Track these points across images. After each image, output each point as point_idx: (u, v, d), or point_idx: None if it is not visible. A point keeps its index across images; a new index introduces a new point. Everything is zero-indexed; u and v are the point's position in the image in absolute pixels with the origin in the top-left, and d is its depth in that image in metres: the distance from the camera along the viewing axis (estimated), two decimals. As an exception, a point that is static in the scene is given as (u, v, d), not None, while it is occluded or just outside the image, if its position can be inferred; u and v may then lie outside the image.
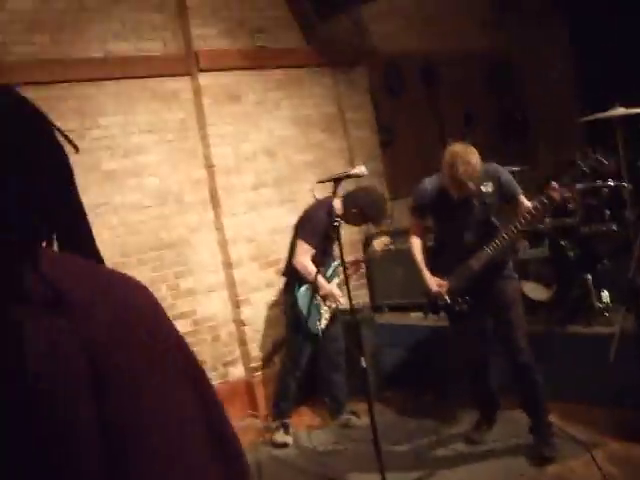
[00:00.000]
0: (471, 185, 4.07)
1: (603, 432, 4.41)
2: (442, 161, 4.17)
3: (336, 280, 5.20)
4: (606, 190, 5.58)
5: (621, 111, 4.71)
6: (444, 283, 4.39)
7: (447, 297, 4.40)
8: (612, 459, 4.08)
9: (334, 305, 5.18)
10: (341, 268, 5.32)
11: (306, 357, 5.22)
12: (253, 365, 5.86)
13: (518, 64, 8.93)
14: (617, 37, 7.35)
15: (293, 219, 5.34)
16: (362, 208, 5.00)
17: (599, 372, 4.27)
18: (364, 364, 4.02)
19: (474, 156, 4.09)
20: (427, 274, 4.46)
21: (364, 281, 6.58)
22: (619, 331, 4.11)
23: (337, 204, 4.82)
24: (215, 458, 0.90)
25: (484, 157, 4.50)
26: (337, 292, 5.16)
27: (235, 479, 0.93)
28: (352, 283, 5.48)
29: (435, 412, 5.30)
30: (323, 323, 5.15)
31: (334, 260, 5.30)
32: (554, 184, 4.01)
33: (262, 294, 5.92)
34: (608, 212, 5.53)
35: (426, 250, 4.61)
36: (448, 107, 8.01)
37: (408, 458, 4.56)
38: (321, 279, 4.99)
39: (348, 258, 5.46)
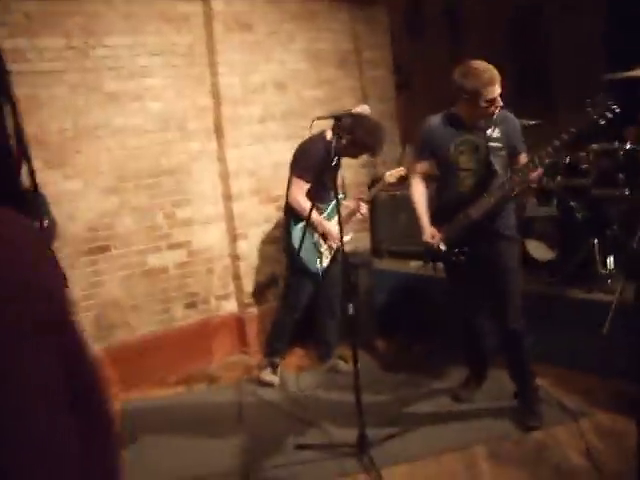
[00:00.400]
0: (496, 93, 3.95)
1: (592, 401, 4.36)
2: (457, 79, 4.06)
3: (336, 218, 5.06)
4: (622, 153, 5.41)
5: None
6: (438, 234, 4.23)
7: (443, 246, 4.25)
8: (597, 430, 4.03)
9: (334, 245, 5.04)
10: (346, 202, 5.24)
11: (306, 297, 5.13)
12: (246, 301, 5.80)
13: (548, 14, 8.64)
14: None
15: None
16: (358, 137, 4.77)
17: (594, 340, 4.17)
18: (352, 311, 3.94)
19: (494, 69, 4.01)
20: (425, 221, 4.29)
21: (366, 224, 6.47)
22: (616, 302, 4.01)
23: (333, 138, 4.63)
24: (74, 410, 0.86)
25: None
26: (336, 231, 5.03)
27: (97, 430, 0.92)
28: (353, 226, 5.39)
29: (423, 365, 5.26)
30: (324, 262, 5.04)
31: (336, 197, 5.18)
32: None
33: (260, 229, 5.83)
34: (622, 176, 5.37)
35: (430, 199, 4.46)
36: (469, 53, 7.76)
37: (390, 410, 4.52)
38: (317, 216, 4.87)
39: (352, 198, 5.37)
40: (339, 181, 5.06)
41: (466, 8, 7.76)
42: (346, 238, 5.11)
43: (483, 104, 3.95)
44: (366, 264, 5.88)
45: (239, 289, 5.80)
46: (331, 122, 4.22)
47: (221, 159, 5.64)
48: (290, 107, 5.98)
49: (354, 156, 5.07)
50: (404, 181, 5.24)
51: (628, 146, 5.32)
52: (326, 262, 5.03)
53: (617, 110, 3.73)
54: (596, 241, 5.09)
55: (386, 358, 5.50)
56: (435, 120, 4.27)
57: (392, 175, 5.15)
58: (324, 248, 5.02)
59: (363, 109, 4.12)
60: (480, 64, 4.05)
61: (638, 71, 4.57)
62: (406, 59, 7.27)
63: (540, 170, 4.00)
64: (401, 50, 7.13)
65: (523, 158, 4.13)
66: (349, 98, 6.33)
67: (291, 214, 4.96)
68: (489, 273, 4.22)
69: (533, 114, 5.45)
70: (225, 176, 5.65)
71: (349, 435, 4.00)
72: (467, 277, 4.34)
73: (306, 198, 4.81)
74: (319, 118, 4.10)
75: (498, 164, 4.07)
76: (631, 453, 3.06)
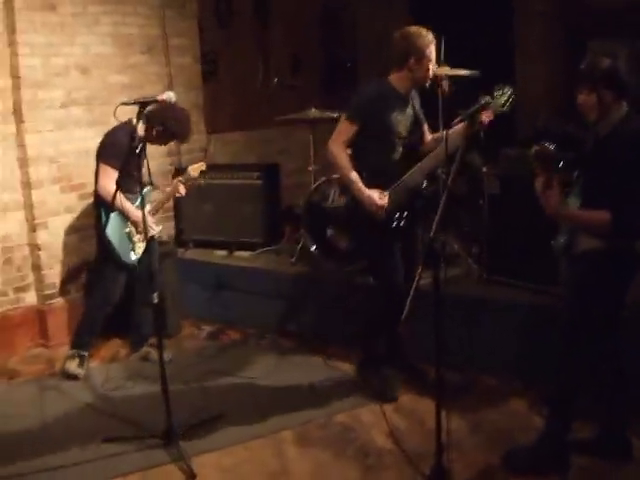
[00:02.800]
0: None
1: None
2: (403, 42, 4.19)
3: (148, 207, 5.01)
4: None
5: (444, 70, 4.84)
6: (385, 196, 4.23)
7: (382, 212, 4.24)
8: (400, 410, 4.33)
9: (150, 233, 4.97)
10: (154, 194, 5.19)
11: (119, 289, 5.03)
12: (47, 292, 5.58)
13: (354, 11, 8.94)
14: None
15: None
16: (166, 125, 4.76)
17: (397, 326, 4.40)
18: (156, 299, 3.93)
19: None
20: (361, 187, 4.22)
21: (171, 214, 6.43)
22: (413, 289, 4.25)
23: (139, 126, 4.57)
24: None
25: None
26: (149, 220, 4.98)
27: None
28: (158, 216, 5.34)
29: (232, 354, 5.35)
30: (138, 252, 4.95)
31: (145, 186, 5.11)
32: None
33: (62, 219, 5.61)
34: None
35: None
36: (277, 46, 7.90)
37: (198, 399, 4.56)
38: (128, 204, 4.78)
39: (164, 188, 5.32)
40: (146, 170, 5.01)
41: (276, 1, 7.87)
42: (156, 229, 5.09)
43: (426, 64, 4.17)
44: (171, 254, 5.85)
45: (39, 280, 5.56)
46: (136, 108, 4.14)
47: (20, 144, 5.35)
48: (94, 92, 5.78)
49: (162, 143, 5.04)
50: (204, 174, 5.29)
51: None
52: (140, 252, 4.95)
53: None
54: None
55: (195, 347, 5.52)
56: (372, 89, 4.32)
57: (194, 170, 5.13)
58: (137, 238, 4.94)
59: (169, 96, 4.09)
60: (417, 27, 4.22)
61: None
62: (214, 48, 7.26)
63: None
64: (209, 38, 7.12)
65: (427, 128, 4.48)
66: (155, 85, 6.24)
67: (102, 204, 4.84)
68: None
69: (340, 104, 5.64)
70: (24, 162, 5.37)
71: (157, 426, 4.00)
72: (401, 240, 4.39)
73: (115, 187, 4.71)
74: (124, 104, 4.01)
75: (419, 133, 4.36)
76: (432, 433, 3.27)
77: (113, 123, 4.65)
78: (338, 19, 8.87)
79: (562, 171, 3.25)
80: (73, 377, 4.93)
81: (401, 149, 4.30)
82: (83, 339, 5.05)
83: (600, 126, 3.33)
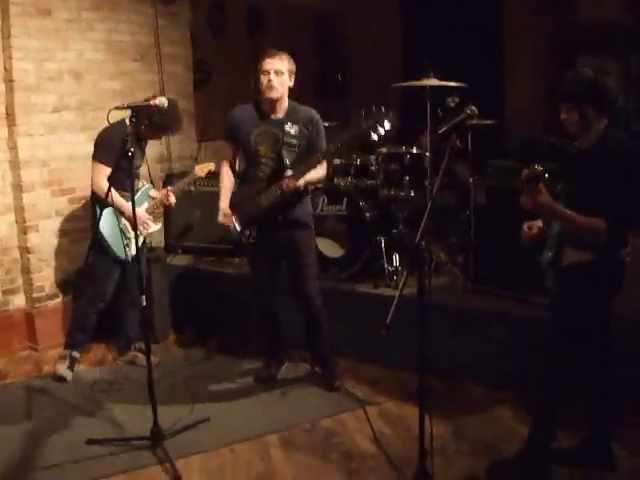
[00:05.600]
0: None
1: (379, 390, 4.73)
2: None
3: (145, 205, 5.06)
4: (408, 157, 5.81)
5: (433, 82, 4.88)
6: (229, 212, 4.51)
7: (238, 227, 4.51)
8: (384, 416, 4.37)
9: (144, 230, 5.03)
10: (152, 192, 5.21)
11: (112, 286, 5.06)
12: (36, 295, 5.59)
13: (346, 23, 9.03)
14: (445, 10, 7.68)
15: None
16: (150, 118, 4.77)
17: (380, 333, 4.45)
18: (144, 302, 3.95)
19: (283, 53, 4.38)
20: (222, 202, 4.57)
21: (160, 219, 6.45)
22: (397, 295, 4.30)
23: (129, 124, 4.65)
24: None
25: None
26: (145, 217, 5.03)
27: None
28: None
29: (218, 358, 5.40)
30: (133, 249, 4.96)
31: (143, 184, 5.17)
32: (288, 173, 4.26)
33: (52, 222, 5.64)
34: (408, 178, 5.77)
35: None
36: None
37: (184, 402, 4.58)
38: (121, 201, 4.81)
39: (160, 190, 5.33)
40: (144, 170, 5.06)
41: (269, 8, 7.95)
42: (154, 227, 5.13)
43: (260, 76, 4.33)
44: (160, 259, 5.88)
45: (28, 283, 5.58)
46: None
47: (12, 147, 5.38)
48: (86, 98, 5.83)
49: (155, 137, 5.10)
50: (211, 175, 5.36)
51: (414, 150, 5.73)
52: (134, 248, 4.93)
53: (388, 126, 3.98)
54: (383, 239, 5.45)
55: (182, 352, 5.55)
56: (239, 109, 4.55)
57: (201, 169, 5.27)
58: (132, 235, 4.94)
59: (161, 101, 4.12)
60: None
61: (423, 80, 4.90)
62: (207, 56, 7.32)
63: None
64: (202, 47, 7.19)
65: (321, 165, 4.43)
66: (147, 92, 6.24)
67: (96, 201, 4.89)
68: (287, 254, 4.54)
69: (331, 115, 5.71)
70: (16, 165, 5.40)
71: (143, 428, 4.02)
72: (265, 259, 4.60)
73: (108, 183, 4.75)
74: (116, 108, 4.06)
75: (289, 159, 4.33)
76: (416, 438, 3.31)
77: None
78: (330, 30, 8.95)
79: (546, 182, 3.30)
80: (61, 379, 4.95)
81: (269, 169, 4.43)
82: (76, 338, 5.06)
83: (582, 139, 3.39)
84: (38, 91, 5.47)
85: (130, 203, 4.46)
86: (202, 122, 7.02)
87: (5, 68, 5.30)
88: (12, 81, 5.30)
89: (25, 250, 5.52)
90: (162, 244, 6.41)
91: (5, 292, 5.51)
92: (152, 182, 5.10)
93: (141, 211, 5.00)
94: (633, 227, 3.39)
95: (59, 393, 4.80)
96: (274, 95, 4.34)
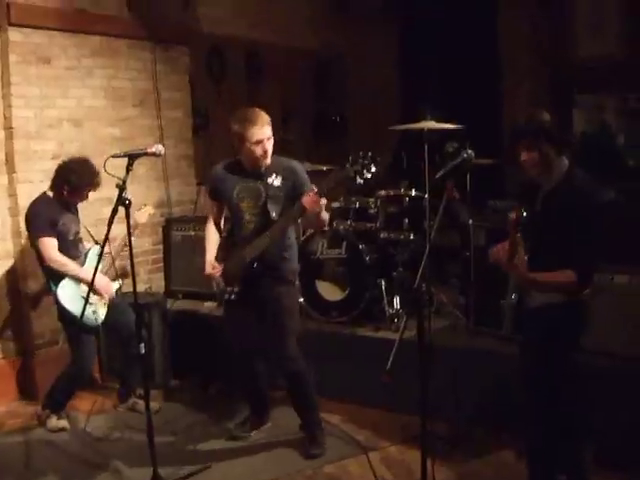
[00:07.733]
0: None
1: (382, 435, 4.65)
2: (230, 124, 4.24)
3: (100, 267, 4.55)
4: (407, 199, 5.81)
5: (429, 124, 4.90)
6: (217, 267, 4.39)
7: (220, 283, 4.40)
8: (387, 461, 4.32)
9: (106, 296, 4.89)
10: (105, 253, 5.07)
11: (91, 355, 4.98)
12: (34, 343, 5.56)
13: (344, 66, 9.11)
14: (442, 51, 7.76)
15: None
16: (68, 182, 4.73)
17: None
18: (143, 350, 3.90)
19: (264, 116, 4.20)
20: (208, 254, 4.46)
21: (160, 265, 6.46)
22: (398, 340, 4.28)
23: (50, 194, 4.81)
24: None
25: (296, 154, 4.52)
26: (104, 281, 4.89)
27: None
28: (148, 267, 5.36)
29: (218, 404, 5.33)
30: (101, 313, 4.86)
31: (86, 248, 5.02)
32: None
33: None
34: (407, 221, 5.77)
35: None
36: (268, 100, 8.01)
37: (184, 449, 4.53)
38: (77, 268, 4.78)
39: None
40: (82, 229, 5.02)
41: (268, 52, 8.03)
42: (115, 286, 5.02)
43: (252, 147, 4.18)
44: (159, 305, 5.85)
45: (27, 331, 5.55)
46: (125, 161, 4.16)
47: (11, 194, 5.41)
48: (85, 145, 5.84)
49: (81, 199, 4.95)
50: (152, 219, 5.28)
51: (413, 193, 5.73)
52: (102, 312, 4.88)
53: (373, 170, 3.95)
54: (383, 282, 5.42)
55: (182, 399, 5.49)
56: (219, 167, 4.49)
57: (141, 215, 5.06)
58: (95, 298, 4.79)
59: (157, 149, 4.12)
60: (249, 109, 4.28)
61: (421, 123, 4.92)
62: (205, 102, 7.38)
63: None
64: (201, 93, 7.25)
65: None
66: (146, 137, 6.33)
67: (49, 276, 4.83)
68: (268, 312, 4.38)
69: (328, 157, 5.72)
70: (15, 212, 5.42)
71: (143, 476, 3.96)
72: (246, 317, 4.45)
73: (59, 252, 4.73)
74: (114, 156, 4.07)
75: (276, 212, 4.25)
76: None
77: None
78: (329, 74, 9.04)
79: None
80: (60, 430, 4.88)
81: (253, 225, 4.33)
82: (57, 401, 4.96)
83: (543, 182, 3.35)
84: (38, 138, 5.51)
85: (84, 268, 4.46)
86: (201, 166, 7.05)
87: (5, 116, 5.36)
88: (12, 128, 5.35)
89: (24, 297, 5.49)
90: (162, 289, 6.40)
91: (2, 339, 5.50)
92: (96, 242, 5.00)
93: (99, 276, 4.63)
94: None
95: (58, 440, 4.75)
96: (269, 161, 4.28)
